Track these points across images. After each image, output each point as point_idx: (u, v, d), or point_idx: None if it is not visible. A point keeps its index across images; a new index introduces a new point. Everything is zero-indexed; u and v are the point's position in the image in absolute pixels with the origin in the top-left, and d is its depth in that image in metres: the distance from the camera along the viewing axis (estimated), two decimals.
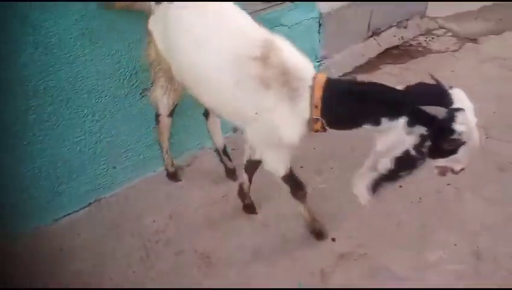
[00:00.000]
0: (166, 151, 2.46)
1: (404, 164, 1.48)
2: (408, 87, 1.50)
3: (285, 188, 1.98)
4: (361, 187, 1.61)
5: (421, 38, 4.32)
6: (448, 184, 2.47)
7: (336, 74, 3.54)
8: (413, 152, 1.43)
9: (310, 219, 2.15)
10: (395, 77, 3.60)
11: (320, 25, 3.38)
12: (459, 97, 1.43)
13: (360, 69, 3.75)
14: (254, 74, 1.60)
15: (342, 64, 3.69)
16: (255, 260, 2.10)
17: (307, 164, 2.61)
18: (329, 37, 3.51)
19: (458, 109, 1.38)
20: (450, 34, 4.42)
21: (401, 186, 2.47)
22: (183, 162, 2.68)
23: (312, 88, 1.60)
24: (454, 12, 4.88)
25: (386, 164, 1.50)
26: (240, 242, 2.19)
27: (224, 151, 2.54)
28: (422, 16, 4.59)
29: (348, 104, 1.59)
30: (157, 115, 2.26)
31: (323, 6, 3.37)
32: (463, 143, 1.42)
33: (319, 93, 1.59)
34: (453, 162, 1.50)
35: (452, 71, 3.72)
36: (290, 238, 2.20)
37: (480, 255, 2.08)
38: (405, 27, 4.43)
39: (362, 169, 1.61)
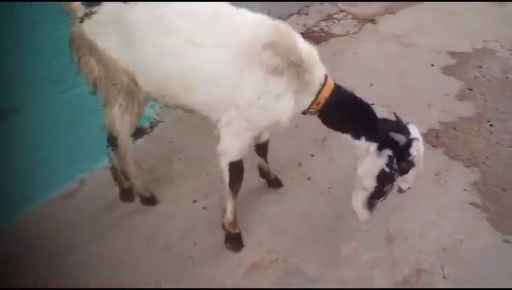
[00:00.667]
0: (136, 176, 2.08)
1: (384, 179, 1.71)
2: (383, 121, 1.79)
3: (224, 176, 1.84)
4: (359, 207, 1.80)
5: (323, 24, 4.30)
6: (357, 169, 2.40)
7: None
8: (387, 169, 1.68)
9: (232, 220, 1.96)
10: None
11: None
12: (414, 131, 1.73)
13: None
14: (264, 61, 1.57)
15: None
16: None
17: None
18: None
19: (413, 139, 1.68)
20: (350, 16, 4.47)
21: (309, 179, 2.38)
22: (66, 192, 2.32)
23: (322, 87, 1.70)
24: None
25: (370, 183, 1.73)
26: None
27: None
28: (322, 1, 4.59)
29: (345, 112, 1.76)
30: (114, 139, 1.91)
31: None
32: (414, 165, 1.70)
33: (327, 93, 1.71)
34: (402, 182, 1.78)
35: (354, 53, 3.72)
36: (196, 259, 1.97)
37: (392, 238, 2.01)
38: (306, 14, 4.40)
39: (355, 190, 1.81)
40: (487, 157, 2.46)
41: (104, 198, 2.27)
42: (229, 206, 1.92)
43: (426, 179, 2.32)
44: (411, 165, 1.69)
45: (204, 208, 2.20)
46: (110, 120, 1.86)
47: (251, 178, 2.35)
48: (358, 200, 1.80)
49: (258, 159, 2.22)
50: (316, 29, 4.19)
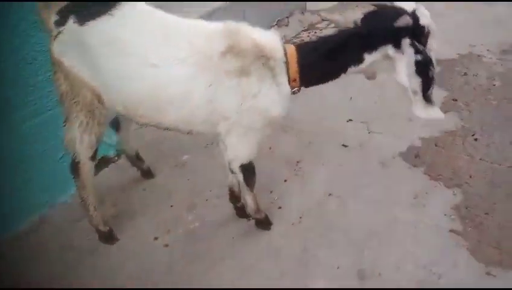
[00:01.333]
0: (95, 207, 1.99)
1: (422, 67, 1.56)
2: (366, 19, 1.64)
3: (239, 177, 1.88)
4: (425, 112, 1.64)
5: (304, 34, 4.18)
6: (330, 194, 2.26)
7: None
8: (418, 57, 1.54)
9: (256, 208, 2.05)
10: None
11: None
12: (405, 4, 1.59)
13: None
14: (228, 68, 1.56)
15: None
16: None
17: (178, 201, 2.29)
18: None
19: (414, 11, 1.56)
20: (332, 25, 4.33)
21: (280, 208, 2.24)
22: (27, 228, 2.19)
23: (287, 63, 1.62)
24: (335, 3, 4.84)
25: (416, 82, 1.57)
26: None
27: (138, 155, 2.40)
28: (303, 11, 4.47)
29: (326, 62, 1.65)
30: (76, 163, 1.85)
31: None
32: (430, 33, 1.59)
33: (294, 67, 1.62)
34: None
35: None
36: None
37: (364, 274, 1.86)
38: (286, 25, 4.28)
39: (413, 103, 1.64)
40: (470, 176, 2.31)
41: (65, 235, 2.14)
42: (249, 199, 2.02)
43: (404, 203, 2.18)
44: (429, 35, 1.58)
45: (166, 245, 2.06)
46: (69, 139, 1.82)
47: (219, 207, 2.23)
48: (420, 108, 1.63)
49: (230, 180, 2.10)
50: (297, 40, 4.06)
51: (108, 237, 2.08)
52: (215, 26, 1.64)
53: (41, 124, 2.11)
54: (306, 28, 4.31)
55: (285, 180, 2.39)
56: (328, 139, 2.67)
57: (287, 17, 4.27)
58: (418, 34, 1.55)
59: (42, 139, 2.13)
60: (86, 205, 1.99)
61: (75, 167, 1.88)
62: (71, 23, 1.61)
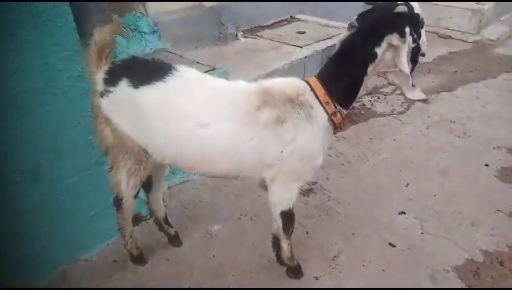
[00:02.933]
0: (131, 235, 2.19)
1: (416, 55, 1.69)
2: (362, 17, 1.70)
3: (279, 222, 1.96)
4: (414, 94, 1.76)
5: (366, 99, 3.95)
6: None
7: None
8: (414, 44, 1.66)
9: (290, 256, 2.10)
10: (329, 150, 3.18)
11: None
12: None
13: None
14: (265, 120, 1.66)
15: None
16: None
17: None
18: None
19: (406, 3, 1.64)
20: (398, 92, 4.06)
21: None
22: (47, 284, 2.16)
23: (313, 91, 1.71)
24: None
25: (409, 67, 1.67)
26: None
27: (166, 219, 2.37)
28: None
29: (343, 69, 1.71)
30: (119, 200, 1.99)
31: (237, 77, 3.01)
32: (423, 23, 1.70)
33: (321, 91, 1.70)
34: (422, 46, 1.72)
35: (394, 140, 3.31)
36: None
37: None
38: None
39: (405, 86, 1.75)
40: None
41: None
42: (285, 245, 2.07)
43: None
44: (423, 24, 1.69)
45: None
46: (116, 182, 1.93)
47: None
48: (410, 91, 1.74)
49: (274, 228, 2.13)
50: (357, 105, 3.84)
51: (140, 259, 2.27)
52: (251, 85, 1.77)
53: (78, 183, 2.12)
54: (369, 91, 4.08)
55: (316, 278, 2.15)
56: (374, 233, 2.40)
57: None
58: (414, 22, 1.65)
59: (77, 197, 2.13)
60: (123, 233, 2.16)
61: (118, 202, 2.02)
62: (125, 86, 1.70)
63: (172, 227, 2.38)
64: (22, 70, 1.79)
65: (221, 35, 3.68)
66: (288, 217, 1.94)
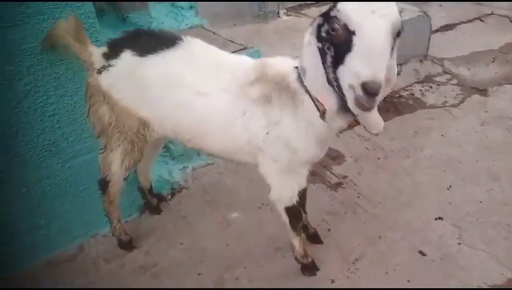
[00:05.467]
0: (118, 220, 2.17)
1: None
2: None
3: (284, 219, 1.88)
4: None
5: (416, 88, 3.61)
6: None
7: None
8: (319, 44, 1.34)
9: (303, 253, 2.01)
10: (367, 142, 2.95)
11: None
12: None
13: None
14: (255, 96, 1.61)
15: None
16: None
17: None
18: None
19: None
20: (454, 81, 3.67)
21: None
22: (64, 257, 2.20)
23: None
24: (469, 51, 4.12)
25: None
26: None
27: (150, 191, 2.40)
28: (423, 58, 3.87)
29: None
30: (106, 182, 2.00)
31: None
32: (352, 32, 1.19)
33: None
34: (355, 70, 1.20)
35: (442, 135, 2.99)
36: None
37: None
38: (398, 73, 3.74)
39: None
40: None
41: (99, 267, 2.13)
42: (296, 243, 1.98)
43: None
44: (345, 31, 1.20)
45: None
46: (107, 163, 1.93)
47: None
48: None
49: None
50: (405, 94, 3.52)
51: (128, 245, 2.21)
52: (254, 61, 1.72)
53: (92, 159, 2.10)
54: (421, 79, 3.72)
55: (332, 281, 2.00)
56: (403, 238, 2.18)
57: (401, 64, 3.73)
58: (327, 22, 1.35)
59: (93, 173, 2.12)
60: (110, 218, 2.14)
61: (105, 185, 2.01)
62: (128, 56, 1.69)
63: (155, 198, 2.43)
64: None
65: (261, 13, 3.50)
66: (292, 212, 1.85)
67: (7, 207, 1.99)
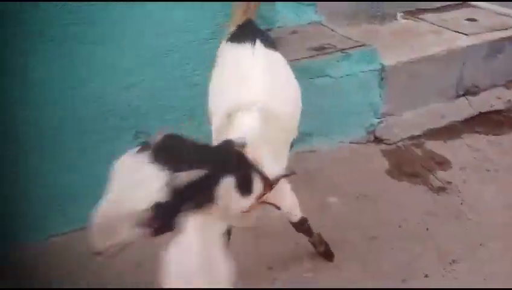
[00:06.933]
0: None
1: None
2: None
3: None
4: None
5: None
6: None
7: (399, 135, 3.01)
8: None
9: (318, 242, 2.08)
10: (476, 153, 2.86)
11: (382, 78, 2.91)
12: None
13: (433, 133, 3.08)
14: None
15: (409, 125, 3.10)
16: None
17: None
18: (396, 93, 3.02)
19: None
20: None
21: None
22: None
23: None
24: None
25: None
26: None
27: None
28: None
29: None
30: None
31: (388, 58, 2.90)
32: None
33: None
34: None
35: None
36: None
37: None
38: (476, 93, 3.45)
39: None
40: None
41: None
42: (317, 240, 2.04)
43: None
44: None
45: None
46: None
47: None
48: None
49: None
50: None
51: None
52: None
53: None
54: None
55: (425, 275, 2.02)
56: (506, 249, 2.12)
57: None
58: None
59: None
60: None
61: None
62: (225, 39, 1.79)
63: None
64: None
65: (378, 14, 3.55)
66: (305, 226, 1.95)
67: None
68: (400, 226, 2.28)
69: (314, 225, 2.32)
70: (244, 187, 1.30)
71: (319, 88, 2.76)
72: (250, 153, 1.34)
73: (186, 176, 1.00)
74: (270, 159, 1.41)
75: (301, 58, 2.71)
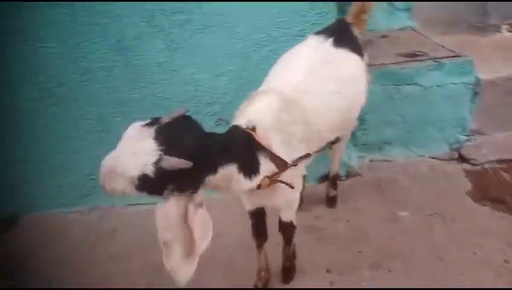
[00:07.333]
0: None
1: None
2: None
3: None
4: None
5: None
6: None
7: (488, 156, 2.80)
8: None
9: (289, 257, 2.02)
10: None
11: (475, 93, 2.73)
12: None
13: None
14: None
15: (500, 146, 2.86)
16: None
17: None
18: (489, 110, 2.81)
19: None
20: None
21: None
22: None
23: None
24: None
25: None
26: None
27: (333, 180, 2.49)
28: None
29: None
30: None
31: (485, 72, 2.70)
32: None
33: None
34: None
35: None
36: None
37: None
38: None
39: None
40: None
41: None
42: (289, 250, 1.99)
43: None
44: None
45: None
46: None
47: None
48: None
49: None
50: None
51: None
52: None
53: None
54: None
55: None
56: None
57: None
58: None
59: None
60: None
61: None
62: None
63: (335, 190, 2.48)
64: None
65: (479, 25, 3.31)
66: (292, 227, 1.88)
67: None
68: (474, 253, 2.13)
69: (382, 234, 2.28)
70: (249, 169, 1.37)
71: (404, 96, 2.67)
72: (260, 136, 1.40)
73: (171, 163, 1.08)
74: (280, 146, 1.44)
75: (389, 64, 2.63)
